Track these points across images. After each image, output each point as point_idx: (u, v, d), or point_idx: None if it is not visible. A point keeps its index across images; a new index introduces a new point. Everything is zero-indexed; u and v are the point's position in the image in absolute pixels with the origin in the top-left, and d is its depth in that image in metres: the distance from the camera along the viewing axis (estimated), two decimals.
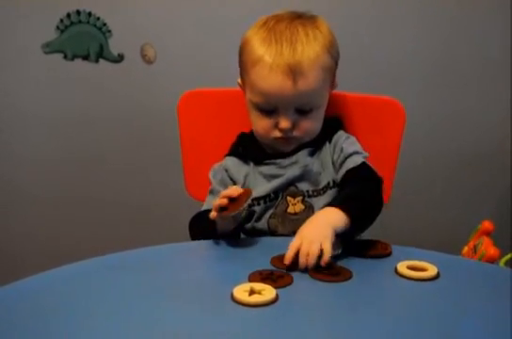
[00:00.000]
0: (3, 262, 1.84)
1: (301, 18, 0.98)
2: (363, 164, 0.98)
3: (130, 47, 1.70)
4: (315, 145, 1.03)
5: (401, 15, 1.70)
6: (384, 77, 1.69)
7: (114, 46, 1.70)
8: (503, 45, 1.72)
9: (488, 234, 1.32)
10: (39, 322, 0.65)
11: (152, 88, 1.73)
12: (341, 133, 1.05)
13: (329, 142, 1.03)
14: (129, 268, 0.80)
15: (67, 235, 1.85)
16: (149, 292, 0.73)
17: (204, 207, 1.02)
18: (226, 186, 1.02)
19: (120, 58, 1.71)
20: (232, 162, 1.05)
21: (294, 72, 0.92)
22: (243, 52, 0.99)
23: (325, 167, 1.02)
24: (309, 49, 0.93)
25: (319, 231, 0.81)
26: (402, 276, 0.78)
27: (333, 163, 1.02)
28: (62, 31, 1.68)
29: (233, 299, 0.70)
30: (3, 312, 0.68)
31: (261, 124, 1.00)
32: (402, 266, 0.80)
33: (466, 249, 1.35)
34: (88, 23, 1.68)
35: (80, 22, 1.68)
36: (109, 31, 1.69)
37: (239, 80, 1.05)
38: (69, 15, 1.66)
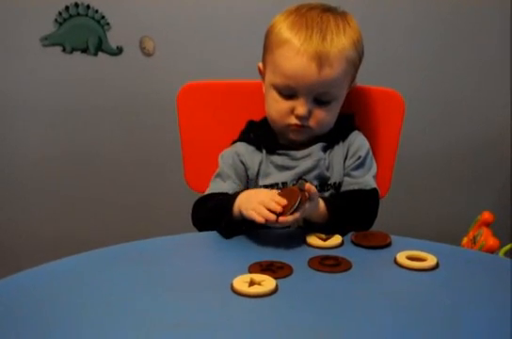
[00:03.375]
0: (2, 255, 1.84)
1: (333, 11, 0.99)
2: (374, 190, 0.99)
3: (129, 40, 1.70)
4: (328, 141, 1.02)
5: (401, 7, 1.69)
6: (384, 68, 1.69)
7: (113, 39, 1.70)
8: (503, 36, 1.71)
9: (487, 224, 1.32)
10: (38, 314, 0.65)
11: (151, 80, 1.73)
12: (356, 135, 1.04)
13: (343, 141, 1.03)
14: (129, 260, 0.81)
15: (66, 229, 1.85)
16: (148, 283, 0.73)
17: (210, 190, 1.01)
18: (237, 171, 1.02)
19: (118, 51, 1.71)
20: (244, 148, 1.04)
21: (320, 58, 0.92)
22: (270, 33, 0.99)
23: (334, 166, 1.01)
24: (338, 40, 0.94)
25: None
26: (401, 266, 0.79)
27: (344, 166, 1.02)
28: (61, 24, 1.67)
29: (233, 290, 0.70)
30: (2, 305, 0.68)
31: (277, 108, 0.99)
32: (401, 257, 0.80)
33: (466, 239, 1.36)
34: (87, 15, 1.67)
35: (78, 14, 1.67)
36: (108, 24, 1.68)
37: (260, 64, 1.04)
38: (67, 8, 1.66)
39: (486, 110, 1.80)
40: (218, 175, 1.03)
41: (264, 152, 1.03)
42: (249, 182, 1.03)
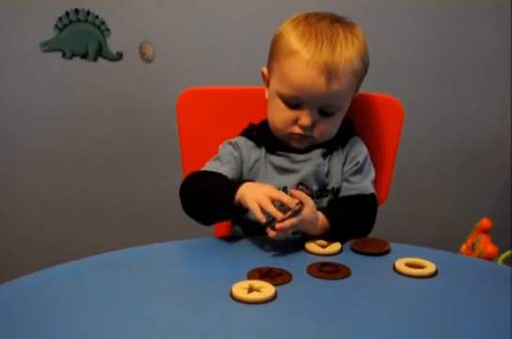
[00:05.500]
0: (1, 260, 1.84)
1: (341, 21, 0.98)
2: (372, 195, 0.99)
3: (129, 45, 1.70)
4: (328, 147, 1.02)
5: (401, 12, 1.70)
6: (383, 75, 1.69)
7: (113, 45, 1.70)
8: (502, 42, 1.72)
9: (486, 231, 1.32)
10: (37, 320, 0.65)
11: (150, 86, 1.73)
12: (355, 140, 1.05)
13: (342, 147, 1.03)
14: (128, 266, 0.80)
15: (65, 233, 1.85)
16: (147, 289, 0.73)
17: (206, 168, 1.00)
18: (236, 160, 1.01)
19: (118, 57, 1.71)
20: (244, 142, 1.04)
21: (329, 71, 0.92)
22: (277, 42, 0.98)
23: (333, 172, 1.02)
24: (346, 52, 0.93)
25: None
26: (400, 273, 0.79)
27: (342, 171, 1.02)
28: (61, 29, 1.68)
29: (232, 297, 0.70)
30: (1, 310, 0.68)
31: (281, 116, 0.99)
32: (400, 264, 0.80)
33: (464, 246, 1.36)
34: (87, 21, 1.68)
35: (79, 20, 1.68)
36: (108, 29, 1.68)
37: (264, 69, 1.04)
38: (67, 13, 1.66)
39: (484, 117, 1.81)
40: (217, 158, 1.02)
41: (263, 150, 1.03)
42: (242, 176, 1.02)
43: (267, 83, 1.03)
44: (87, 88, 1.74)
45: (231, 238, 0.93)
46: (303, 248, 0.87)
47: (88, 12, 1.67)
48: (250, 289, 0.71)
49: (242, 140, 1.04)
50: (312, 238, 0.89)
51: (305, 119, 0.96)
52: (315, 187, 1.00)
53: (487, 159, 1.83)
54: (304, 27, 0.95)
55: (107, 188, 1.84)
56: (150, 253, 0.86)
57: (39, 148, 1.78)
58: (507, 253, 1.31)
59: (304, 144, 1.01)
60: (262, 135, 1.04)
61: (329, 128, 0.99)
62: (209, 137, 1.15)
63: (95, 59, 1.71)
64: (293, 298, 0.71)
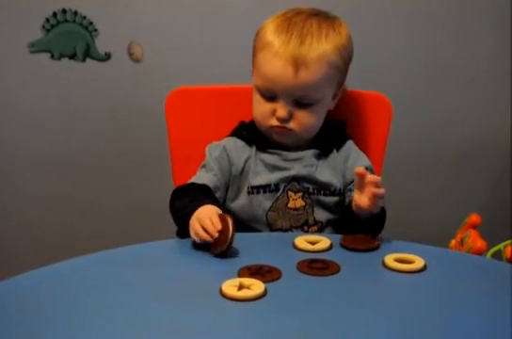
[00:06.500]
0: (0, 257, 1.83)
1: (320, 15, 1.00)
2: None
3: (117, 46, 1.70)
4: (321, 148, 1.03)
5: (393, 11, 1.70)
6: (370, 72, 1.69)
7: (101, 45, 1.70)
8: (498, 42, 1.73)
9: (475, 226, 1.33)
10: (35, 317, 0.65)
11: (139, 86, 1.73)
12: (351, 145, 1.06)
13: (337, 150, 1.04)
14: (121, 265, 0.81)
15: (62, 232, 1.84)
16: (140, 287, 0.73)
17: (193, 179, 1.01)
18: (221, 165, 1.02)
19: (107, 57, 1.71)
20: (234, 143, 1.05)
21: (296, 62, 0.93)
22: (256, 36, 1.01)
23: (331, 173, 1.03)
24: (317, 44, 0.95)
25: None
26: (389, 268, 0.79)
27: (343, 175, 1.03)
28: (48, 30, 1.67)
29: (222, 294, 0.70)
30: (0, 307, 0.68)
31: (260, 109, 1.00)
32: (389, 259, 0.80)
33: (453, 242, 1.36)
34: (75, 22, 1.67)
35: (66, 21, 1.67)
36: (96, 30, 1.68)
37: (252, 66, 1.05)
38: (55, 14, 1.66)
39: (473, 113, 1.81)
40: (204, 166, 1.04)
41: (253, 148, 1.03)
42: (233, 178, 1.03)
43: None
44: (75, 88, 1.73)
45: None
46: (293, 245, 0.87)
47: (76, 13, 1.66)
48: (240, 286, 0.71)
49: (231, 142, 1.05)
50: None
51: (280, 110, 0.97)
52: (310, 186, 1.01)
53: (476, 155, 1.84)
54: (280, 21, 0.98)
55: (102, 188, 1.83)
56: (142, 252, 0.86)
57: (26, 149, 1.77)
58: (496, 248, 1.32)
59: (285, 138, 1.01)
60: (252, 133, 1.05)
61: (308, 120, 0.99)
62: (198, 137, 1.15)
63: (83, 60, 1.70)
64: (283, 295, 0.71)
